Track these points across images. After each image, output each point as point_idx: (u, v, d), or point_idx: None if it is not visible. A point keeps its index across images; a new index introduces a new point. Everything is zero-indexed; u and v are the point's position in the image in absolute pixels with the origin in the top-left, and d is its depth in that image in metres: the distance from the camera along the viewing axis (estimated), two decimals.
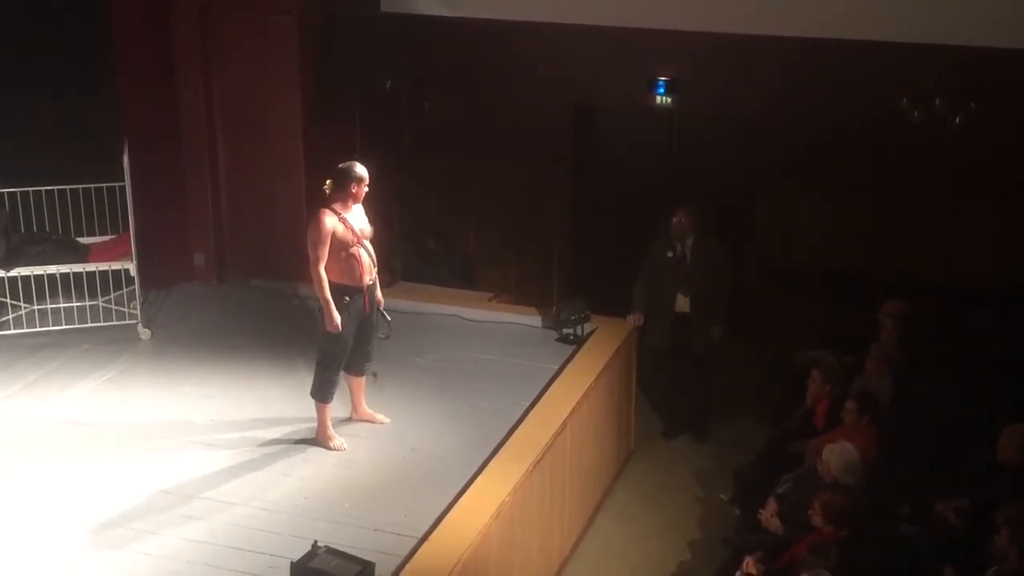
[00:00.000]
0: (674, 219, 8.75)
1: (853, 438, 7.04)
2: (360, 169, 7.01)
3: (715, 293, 8.82)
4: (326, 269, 6.93)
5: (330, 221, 6.91)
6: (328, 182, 7.00)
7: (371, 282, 7.15)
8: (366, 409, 7.53)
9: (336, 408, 7.35)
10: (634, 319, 8.73)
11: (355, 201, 7.02)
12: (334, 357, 7.13)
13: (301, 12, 9.22)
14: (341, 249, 6.95)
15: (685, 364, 9.04)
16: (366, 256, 7.08)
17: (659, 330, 8.88)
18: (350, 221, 6.99)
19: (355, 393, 7.50)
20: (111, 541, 6.19)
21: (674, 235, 8.77)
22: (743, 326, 9.72)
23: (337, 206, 6.97)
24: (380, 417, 7.53)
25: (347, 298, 7.01)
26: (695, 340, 8.84)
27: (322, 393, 7.18)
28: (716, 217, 9.25)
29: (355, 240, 6.99)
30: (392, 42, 9.82)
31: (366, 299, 7.13)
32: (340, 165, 7.04)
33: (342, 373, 7.27)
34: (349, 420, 7.49)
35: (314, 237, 6.90)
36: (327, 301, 6.93)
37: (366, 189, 7.03)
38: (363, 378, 7.47)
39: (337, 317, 6.94)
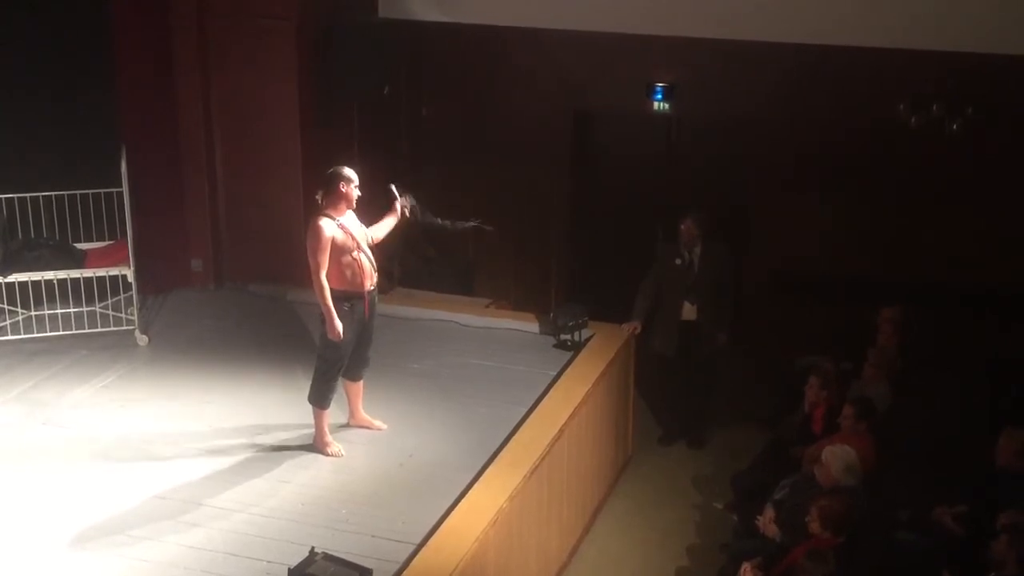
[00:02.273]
0: (682, 227, 8.72)
1: (851, 443, 7.04)
2: (347, 170, 6.98)
3: (722, 301, 8.80)
4: (327, 276, 6.91)
5: (328, 227, 6.88)
6: (320, 192, 6.99)
7: (372, 288, 7.15)
8: (364, 415, 7.52)
9: (334, 414, 7.34)
10: (630, 328, 8.71)
11: (348, 205, 6.98)
12: (333, 364, 7.12)
13: (299, 18, 9.23)
14: (341, 255, 6.93)
15: (690, 371, 9.02)
16: (366, 261, 7.06)
17: (666, 338, 8.86)
18: (347, 226, 6.98)
19: (353, 399, 7.48)
20: (108, 547, 6.17)
21: (682, 243, 8.75)
22: (742, 331, 9.72)
23: (332, 212, 6.95)
24: (378, 423, 7.52)
25: (348, 305, 7.00)
26: (700, 347, 8.83)
27: (320, 399, 7.17)
28: (715, 222, 9.24)
29: (355, 245, 6.98)
30: (390, 48, 9.83)
31: (366, 305, 7.12)
32: (328, 171, 7.04)
33: (340, 379, 7.27)
34: (347, 426, 7.48)
35: (313, 245, 6.87)
36: (329, 309, 6.90)
37: (357, 191, 6.99)
38: (361, 384, 7.46)
39: (339, 325, 6.91)
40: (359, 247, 7.00)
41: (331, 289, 6.91)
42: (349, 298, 7.00)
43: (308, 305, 9.14)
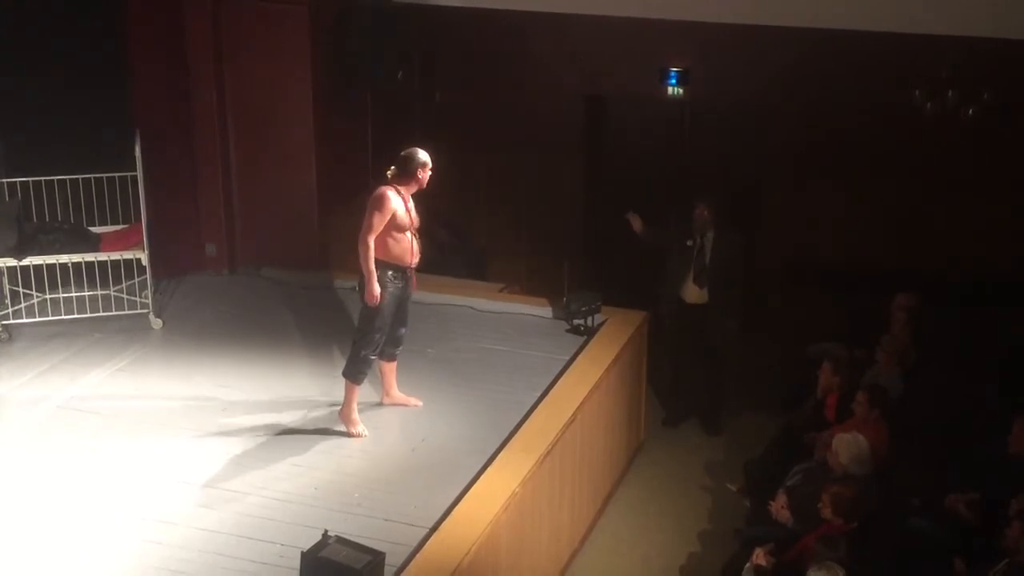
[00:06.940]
0: (695, 211, 8.74)
1: (864, 430, 7.04)
2: (425, 155, 7.05)
3: (731, 286, 8.80)
4: (375, 245, 6.95)
5: (395, 198, 6.96)
6: (391, 168, 7.04)
7: (414, 267, 7.20)
8: (399, 393, 7.56)
9: (365, 393, 7.37)
10: (633, 218, 8.85)
11: (419, 186, 7.07)
12: (371, 336, 7.13)
13: (313, 2, 9.22)
14: (395, 229, 6.99)
15: (697, 355, 9.03)
16: (415, 243, 7.14)
17: (661, 310, 8.92)
18: (409, 206, 7.05)
19: (387, 376, 7.53)
20: (122, 530, 6.21)
21: (695, 227, 8.76)
22: (755, 317, 9.71)
23: (400, 188, 7.01)
24: (413, 400, 7.57)
25: (391, 273, 7.05)
26: (711, 332, 8.83)
27: (354, 373, 7.19)
28: (727, 207, 9.22)
29: (410, 224, 7.05)
30: (404, 32, 9.82)
31: (406, 280, 7.16)
32: (404, 151, 7.07)
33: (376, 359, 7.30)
34: (380, 405, 7.51)
35: (376, 206, 6.91)
36: (371, 271, 6.95)
37: (429, 175, 7.07)
38: (395, 363, 7.49)
39: (377, 288, 6.95)
40: (413, 228, 7.08)
41: (376, 258, 6.96)
42: (392, 270, 7.05)
43: (320, 290, 9.19)
